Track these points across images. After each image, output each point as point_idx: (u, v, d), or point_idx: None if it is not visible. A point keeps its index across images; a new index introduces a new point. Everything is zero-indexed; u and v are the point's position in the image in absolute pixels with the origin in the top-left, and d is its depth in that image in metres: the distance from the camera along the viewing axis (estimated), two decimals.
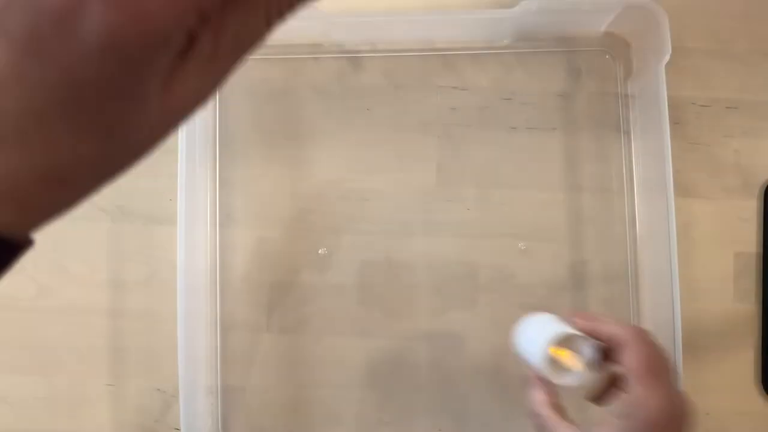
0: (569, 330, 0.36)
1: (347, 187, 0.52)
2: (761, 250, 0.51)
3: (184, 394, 0.46)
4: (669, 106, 0.47)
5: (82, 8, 0.15)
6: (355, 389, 0.51)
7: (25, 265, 0.55)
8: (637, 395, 0.33)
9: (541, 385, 0.37)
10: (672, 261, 0.46)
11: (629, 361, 0.34)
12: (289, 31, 0.52)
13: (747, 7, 0.53)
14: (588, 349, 0.36)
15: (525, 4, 0.48)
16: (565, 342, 0.36)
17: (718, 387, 0.51)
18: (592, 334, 0.36)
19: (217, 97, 0.52)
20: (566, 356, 0.36)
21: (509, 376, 0.51)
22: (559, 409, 0.36)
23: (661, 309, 0.48)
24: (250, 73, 0.52)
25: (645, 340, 0.35)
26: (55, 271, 0.52)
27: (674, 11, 0.48)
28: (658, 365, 0.34)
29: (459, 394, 0.50)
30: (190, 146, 0.48)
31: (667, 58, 0.47)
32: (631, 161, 0.52)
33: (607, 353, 0.36)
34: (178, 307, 0.46)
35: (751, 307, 0.51)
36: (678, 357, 0.46)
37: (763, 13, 0.53)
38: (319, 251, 0.51)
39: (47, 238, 0.54)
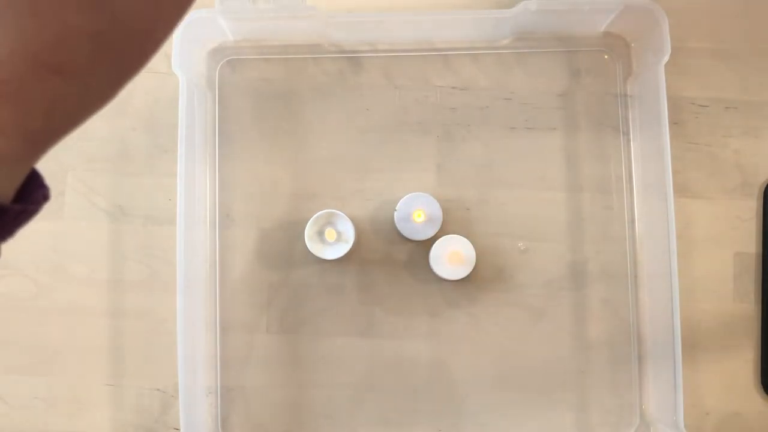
0: None
1: (347, 187, 0.52)
2: (761, 250, 0.51)
3: (183, 394, 0.46)
4: (669, 106, 0.47)
5: None
6: (355, 389, 0.51)
7: (25, 265, 0.55)
8: None
9: None
10: (672, 261, 0.46)
11: None
12: (289, 31, 0.52)
13: (747, 7, 0.53)
14: None
15: (525, 4, 0.48)
16: None
17: (718, 387, 0.51)
18: None
19: (217, 96, 0.52)
20: None
21: (509, 376, 0.51)
22: None
23: (661, 309, 0.48)
24: (250, 73, 0.52)
25: None
26: (55, 271, 0.52)
27: (674, 11, 0.48)
28: None
29: (459, 395, 0.50)
30: (190, 146, 0.48)
31: (666, 58, 0.47)
32: (630, 161, 0.52)
33: None
34: (178, 306, 0.46)
35: (750, 307, 0.51)
36: (678, 357, 0.46)
37: (763, 13, 0.53)
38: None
39: (47, 238, 0.55)
